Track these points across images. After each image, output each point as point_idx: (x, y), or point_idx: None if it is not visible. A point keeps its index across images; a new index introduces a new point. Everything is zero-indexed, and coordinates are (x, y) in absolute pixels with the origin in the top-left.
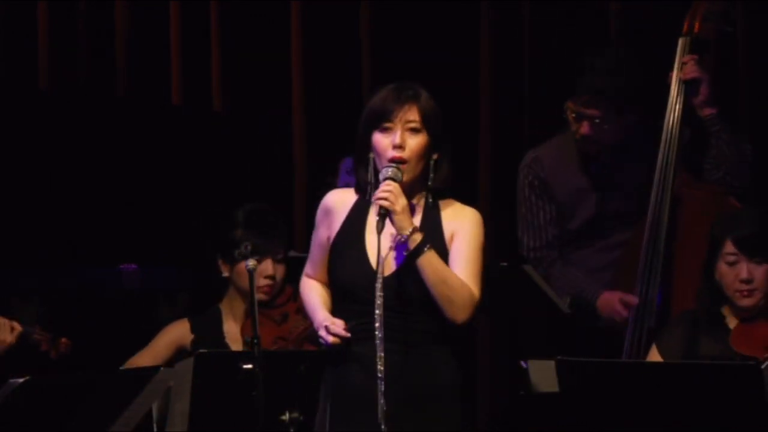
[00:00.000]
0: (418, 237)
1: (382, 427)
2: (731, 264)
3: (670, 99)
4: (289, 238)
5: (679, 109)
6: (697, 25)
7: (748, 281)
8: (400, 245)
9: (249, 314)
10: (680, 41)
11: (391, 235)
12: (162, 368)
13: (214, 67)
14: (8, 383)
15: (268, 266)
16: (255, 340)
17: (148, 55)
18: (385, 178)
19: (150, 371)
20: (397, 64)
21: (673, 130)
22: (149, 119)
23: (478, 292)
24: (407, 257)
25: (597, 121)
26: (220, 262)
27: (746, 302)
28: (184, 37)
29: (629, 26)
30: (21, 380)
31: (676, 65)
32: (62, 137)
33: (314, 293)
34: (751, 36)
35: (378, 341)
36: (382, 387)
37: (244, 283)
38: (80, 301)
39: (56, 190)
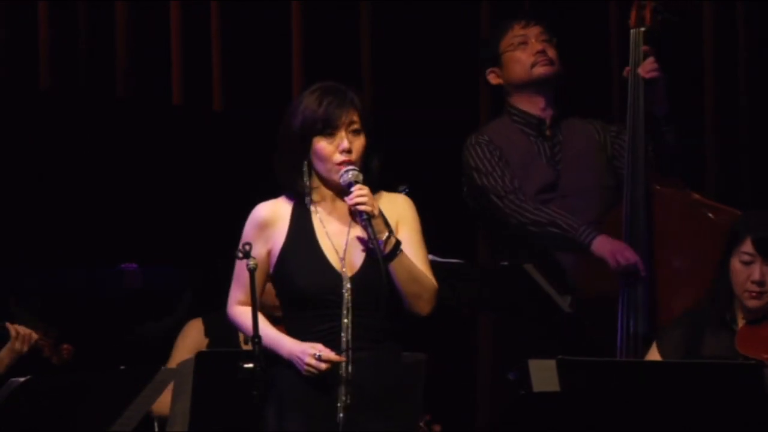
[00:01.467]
0: (392, 240)
1: (340, 427)
2: (746, 263)
3: (631, 96)
4: None
5: (641, 106)
6: (647, 17)
7: (760, 283)
8: (364, 243)
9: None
10: (632, 33)
11: (356, 236)
12: (162, 367)
13: (214, 67)
14: (8, 383)
15: None
16: (256, 340)
17: (148, 54)
18: (351, 182)
19: (150, 371)
20: (397, 64)
21: (638, 128)
22: (150, 119)
23: (434, 279)
24: (382, 260)
25: (544, 37)
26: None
27: (754, 303)
28: (184, 36)
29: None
30: (21, 380)
31: (631, 60)
32: (63, 137)
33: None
34: (751, 36)
35: (344, 341)
36: (343, 387)
37: (267, 300)
38: (80, 301)
39: (57, 190)
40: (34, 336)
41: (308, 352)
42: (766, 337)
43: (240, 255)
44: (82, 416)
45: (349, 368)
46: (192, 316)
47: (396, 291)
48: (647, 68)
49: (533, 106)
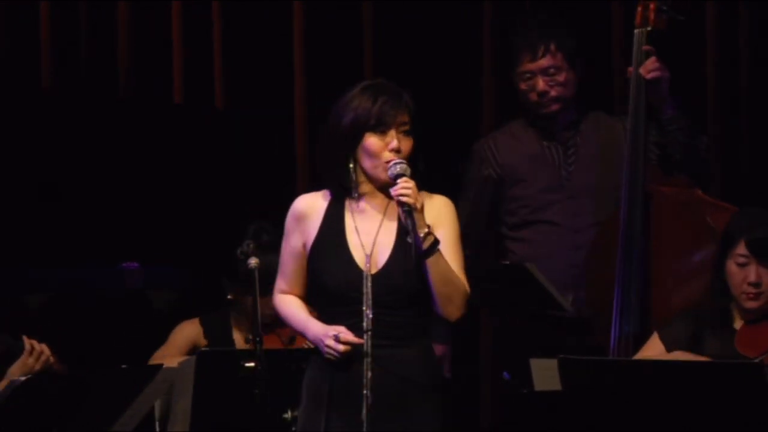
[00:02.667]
0: (431, 238)
1: (365, 424)
2: (741, 265)
3: (633, 96)
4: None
5: (642, 106)
6: (651, 17)
7: (756, 284)
8: (393, 241)
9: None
10: (636, 33)
11: (386, 234)
12: (164, 366)
13: (216, 66)
14: (9, 382)
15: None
16: (257, 339)
17: (149, 54)
18: (398, 175)
19: (150, 371)
20: (399, 64)
21: (639, 128)
22: (151, 118)
23: (468, 284)
24: (417, 257)
25: (552, 71)
26: (225, 284)
27: (751, 305)
28: (185, 35)
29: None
30: (22, 379)
31: (634, 60)
32: (64, 137)
33: (295, 307)
34: (751, 35)
35: (364, 339)
36: (366, 386)
37: (264, 310)
38: (81, 300)
39: (58, 190)
40: (50, 356)
41: (329, 334)
42: (765, 337)
43: (242, 256)
44: (83, 416)
45: (366, 366)
46: (188, 316)
47: (428, 290)
48: (649, 68)
49: (548, 122)
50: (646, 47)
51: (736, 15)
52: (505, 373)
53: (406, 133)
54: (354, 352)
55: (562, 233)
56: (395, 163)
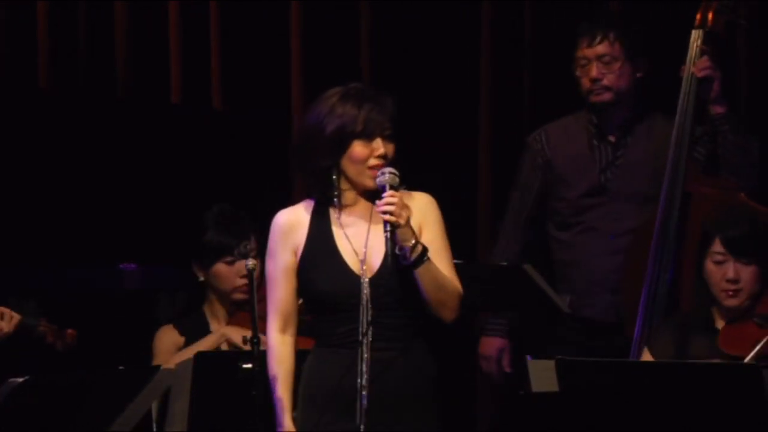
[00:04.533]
0: (419, 248)
1: (362, 427)
2: (718, 263)
3: (682, 93)
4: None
5: (691, 104)
6: (710, 18)
7: (734, 281)
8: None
9: (231, 314)
10: (693, 33)
11: (377, 237)
12: (162, 368)
13: (213, 66)
14: (8, 383)
15: (242, 266)
16: (254, 340)
17: (147, 54)
18: (385, 186)
19: (149, 371)
20: (397, 64)
21: (685, 126)
22: (149, 118)
23: (460, 284)
24: (406, 267)
25: (606, 59)
26: (195, 266)
27: (731, 302)
28: (183, 36)
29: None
30: (21, 380)
31: (688, 58)
32: (62, 137)
33: (283, 376)
34: (751, 35)
35: (364, 343)
36: (364, 387)
37: (220, 284)
38: (80, 300)
39: (56, 190)
40: (15, 316)
41: None
42: (748, 335)
43: (239, 256)
44: (81, 416)
45: (364, 368)
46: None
47: (413, 290)
48: (701, 66)
49: (603, 117)
50: (702, 46)
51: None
52: (528, 357)
53: (389, 138)
54: (351, 355)
55: (600, 237)
56: (383, 172)
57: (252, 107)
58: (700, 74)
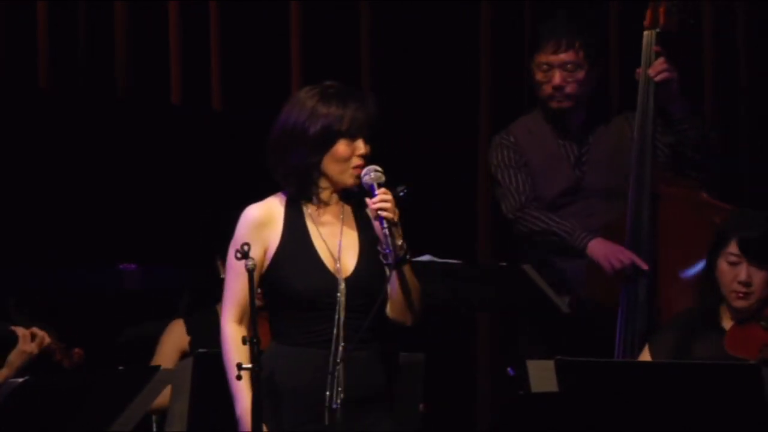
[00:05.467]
0: (405, 247)
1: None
2: (732, 264)
3: (640, 96)
4: None
5: (650, 106)
6: (661, 18)
7: (746, 284)
8: (358, 245)
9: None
10: (645, 35)
11: (350, 237)
12: (161, 368)
13: (213, 67)
14: (8, 383)
15: None
16: (254, 340)
17: (147, 54)
18: (373, 185)
19: (148, 371)
20: (397, 64)
21: (646, 128)
22: (149, 118)
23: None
24: (390, 266)
25: (570, 66)
26: (219, 263)
27: (740, 304)
28: (183, 36)
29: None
30: (20, 380)
31: (643, 60)
32: (62, 137)
33: (237, 358)
34: (751, 36)
35: (340, 343)
36: (337, 387)
37: None
38: (79, 300)
39: (56, 190)
40: (47, 338)
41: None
42: (755, 338)
43: (239, 255)
44: (81, 416)
45: (339, 369)
46: (174, 317)
47: (382, 292)
48: (657, 69)
49: (561, 115)
50: (655, 48)
51: (734, 15)
52: (509, 369)
53: (368, 138)
54: (323, 355)
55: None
56: (368, 171)
57: (252, 107)
58: (658, 78)
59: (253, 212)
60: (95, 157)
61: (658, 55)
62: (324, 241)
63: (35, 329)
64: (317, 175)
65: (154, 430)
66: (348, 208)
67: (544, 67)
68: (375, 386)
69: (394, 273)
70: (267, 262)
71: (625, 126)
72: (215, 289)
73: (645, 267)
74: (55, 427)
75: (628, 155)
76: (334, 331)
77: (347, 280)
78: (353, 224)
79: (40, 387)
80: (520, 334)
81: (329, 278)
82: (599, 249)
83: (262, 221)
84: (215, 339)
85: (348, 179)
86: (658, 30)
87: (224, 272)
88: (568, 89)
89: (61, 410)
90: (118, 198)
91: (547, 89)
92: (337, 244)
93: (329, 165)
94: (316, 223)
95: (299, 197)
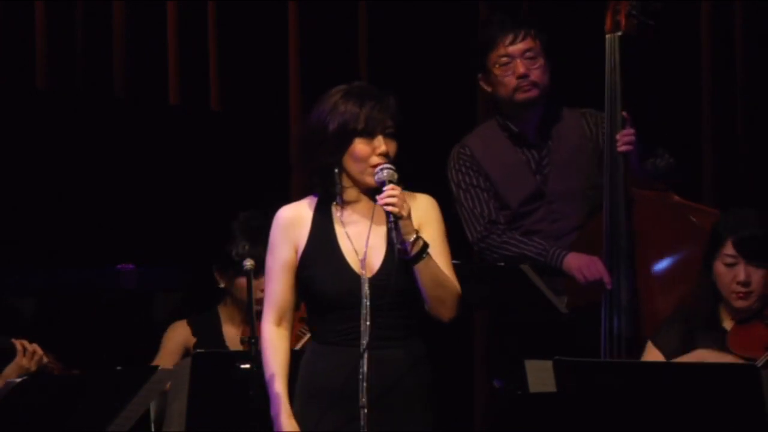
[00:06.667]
0: (420, 242)
1: (363, 425)
2: (729, 265)
3: (608, 104)
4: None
5: (619, 113)
6: (622, 22)
7: (745, 284)
8: (385, 244)
9: (247, 322)
10: (608, 38)
11: (378, 237)
12: (159, 368)
13: (211, 67)
14: (7, 383)
15: None
16: (252, 340)
17: (145, 54)
18: (384, 181)
19: (147, 371)
20: (396, 64)
21: (616, 135)
22: (147, 118)
23: (458, 284)
24: (407, 263)
25: (530, 54)
26: (216, 273)
27: (741, 304)
28: (181, 36)
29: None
30: (18, 380)
31: (608, 66)
32: (60, 137)
33: (280, 370)
34: (750, 35)
35: (364, 342)
36: (364, 386)
37: (243, 296)
38: (77, 301)
39: (54, 190)
40: (45, 357)
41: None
42: (757, 337)
43: (236, 257)
44: (79, 416)
45: (365, 368)
46: (178, 317)
47: (419, 293)
48: (624, 141)
49: (520, 120)
50: (623, 113)
51: (731, 15)
52: (496, 381)
53: (391, 136)
54: (350, 353)
55: (543, 239)
56: (381, 169)
57: (250, 107)
58: (621, 149)
59: (283, 213)
60: (93, 158)
61: (624, 122)
62: (350, 240)
63: (26, 343)
64: (341, 174)
65: (153, 430)
66: (378, 207)
67: (503, 59)
68: (407, 386)
69: (415, 268)
70: (297, 263)
71: (583, 124)
72: (214, 288)
73: (609, 287)
74: (53, 427)
75: (589, 155)
76: (361, 329)
77: (372, 279)
78: (383, 223)
79: (39, 387)
80: (506, 343)
81: (353, 278)
82: (574, 263)
83: (291, 222)
84: (219, 343)
85: (368, 178)
86: (620, 34)
87: (222, 282)
88: (533, 76)
89: (59, 410)
90: (115, 198)
91: (511, 81)
92: (364, 243)
93: (350, 164)
94: (344, 223)
95: (327, 197)
